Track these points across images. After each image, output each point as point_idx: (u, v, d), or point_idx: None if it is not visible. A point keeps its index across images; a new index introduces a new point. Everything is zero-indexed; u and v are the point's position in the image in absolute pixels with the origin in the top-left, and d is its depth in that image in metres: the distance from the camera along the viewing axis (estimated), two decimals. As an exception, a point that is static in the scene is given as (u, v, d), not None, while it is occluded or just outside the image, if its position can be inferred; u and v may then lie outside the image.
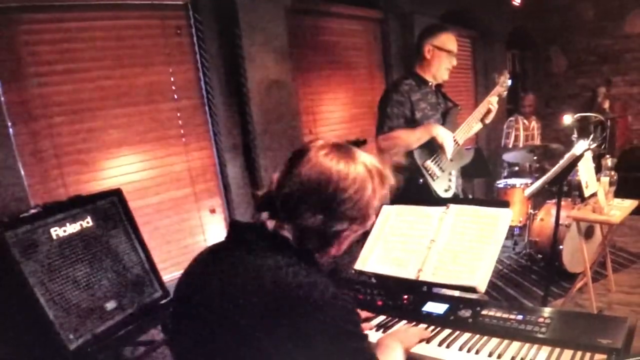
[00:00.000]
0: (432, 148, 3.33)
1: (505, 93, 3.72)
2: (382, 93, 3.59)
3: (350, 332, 1.28)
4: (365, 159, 1.40)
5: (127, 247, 2.87)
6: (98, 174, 3.48)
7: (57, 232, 2.53)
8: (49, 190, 3.23)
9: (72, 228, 2.61)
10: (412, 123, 3.32)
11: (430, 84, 3.47)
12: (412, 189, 3.26)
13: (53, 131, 3.27)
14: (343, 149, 1.39)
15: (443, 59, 3.43)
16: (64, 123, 3.32)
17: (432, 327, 1.96)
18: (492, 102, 3.57)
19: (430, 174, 3.32)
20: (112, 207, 2.86)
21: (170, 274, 3.74)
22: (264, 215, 1.38)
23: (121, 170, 3.59)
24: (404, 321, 2.04)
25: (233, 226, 1.45)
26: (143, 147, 3.72)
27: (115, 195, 2.90)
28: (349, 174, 1.33)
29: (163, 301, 2.95)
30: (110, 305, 2.66)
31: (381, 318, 2.10)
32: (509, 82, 3.70)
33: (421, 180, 3.29)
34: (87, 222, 2.69)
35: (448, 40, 3.44)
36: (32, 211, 2.57)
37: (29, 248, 2.40)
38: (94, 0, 3.42)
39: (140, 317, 2.80)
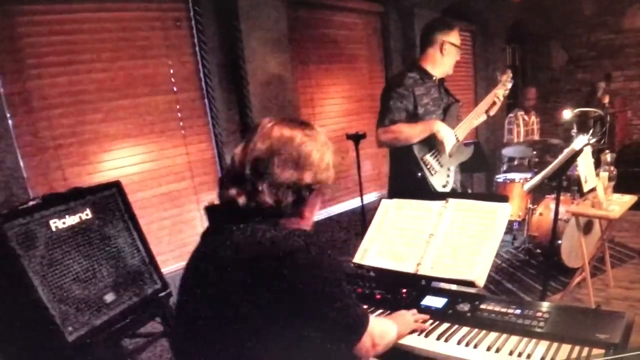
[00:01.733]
0: (432, 143, 3.33)
1: (507, 92, 3.73)
2: (385, 85, 3.59)
3: (339, 289, 1.38)
4: (323, 132, 1.53)
5: (126, 239, 2.86)
6: (97, 166, 3.49)
7: (56, 223, 2.52)
8: (48, 182, 3.24)
9: (71, 220, 2.60)
10: (413, 117, 3.31)
11: (434, 78, 3.46)
12: (410, 183, 3.27)
13: (52, 123, 3.27)
14: (298, 121, 1.53)
15: (453, 54, 3.45)
16: (63, 115, 3.32)
17: (430, 321, 1.96)
18: (498, 94, 3.59)
19: (428, 169, 3.32)
20: (111, 199, 2.85)
21: (170, 267, 3.76)
22: (232, 191, 1.41)
23: (120, 162, 3.59)
24: (403, 315, 2.05)
25: (208, 212, 1.53)
26: (142, 139, 3.72)
27: (115, 187, 2.89)
28: (309, 135, 1.46)
29: (162, 293, 2.94)
30: (109, 297, 2.65)
31: (380, 311, 2.11)
32: (512, 81, 3.72)
33: (419, 174, 3.29)
34: (86, 214, 2.68)
35: (457, 36, 3.47)
36: (31, 203, 2.55)
37: (28, 240, 2.38)
38: (95, -7, 3.41)
39: (139, 309, 2.80)
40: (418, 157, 3.30)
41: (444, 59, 3.44)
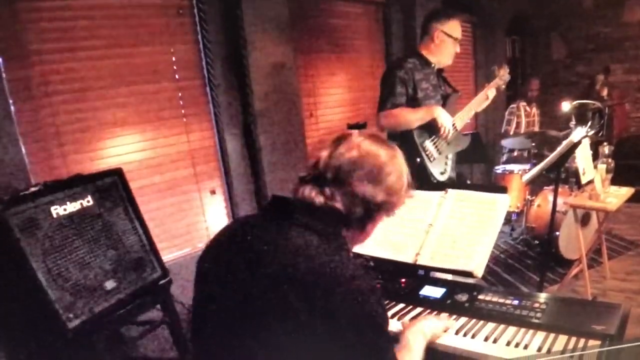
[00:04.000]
0: (431, 130, 3.37)
1: (504, 87, 3.77)
2: (386, 69, 3.62)
3: (378, 325, 1.34)
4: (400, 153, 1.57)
5: (127, 226, 2.86)
6: (99, 153, 3.48)
7: (57, 210, 2.52)
8: (49, 168, 3.23)
9: (72, 207, 2.60)
10: (413, 102, 3.35)
11: (433, 65, 3.49)
12: (409, 169, 3.30)
13: (54, 109, 3.26)
14: (383, 139, 1.58)
15: (449, 45, 3.47)
16: (65, 101, 3.31)
17: (428, 311, 1.98)
18: (489, 95, 3.63)
19: (427, 155, 3.36)
20: (112, 187, 2.84)
21: (170, 254, 3.78)
22: (311, 189, 1.45)
23: (122, 149, 3.58)
24: (402, 304, 2.07)
25: (274, 200, 1.53)
26: (144, 126, 3.72)
27: (116, 175, 2.89)
28: (393, 156, 1.51)
29: (162, 281, 2.95)
30: (110, 284, 2.66)
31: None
32: (508, 76, 3.76)
33: (418, 160, 3.32)
34: (88, 201, 2.68)
35: (455, 27, 3.47)
36: (33, 189, 2.55)
37: (30, 226, 2.39)
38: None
39: (140, 296, 2.81)
40: (418, 142, 3.33)
41: (440, 48, 3.46)
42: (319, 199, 1.43)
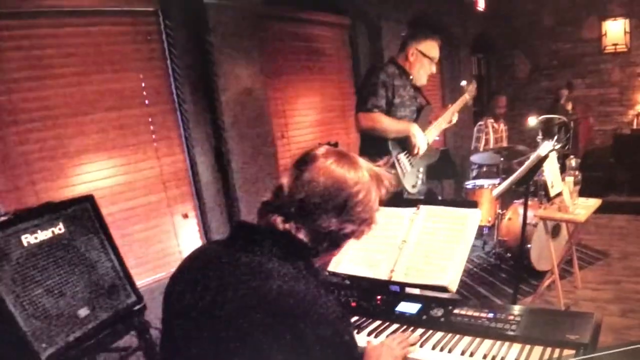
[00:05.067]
0: (405, 144, 3.43)
1: (471, 102, 3.88)
2: (369, 70, 3.68)
3: (348, 350, 1.36)
4: (365, 164, 1.51)
5: (100, 253, 2.81)
6: (69, 180, 3.44)
7: (28, 239, 2.48)
8: (19, 197, 3.18)
9: (43, 235, 2.55)
10: (390, 106, 3.40)
11: (410, 77, 3.56)
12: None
13: (22, 138, 3.22)
14: (347, 156, 1.49)
15: (424, 64, 3.55)
16: (34, 129, 3.27)
17: (404, 327, 2.00)
18: (453, 119, 3.76)
19: (401, 167, 3.41)
20: (84, 213, 2.81)
21: (144, 279, 3.74)
22: (276, 218, 1.40)
23: (93, 176, 3.55)
24: (378, 321, 2.08)
25: (240, 227, 1.49)
26: (114, 152, 3.69)
27: (87, 201, 2.85)
28: (359, 180, 1.43)
29: (137, 307, 2.91)
30: (83, 312, 2.61)
31: (355, 319, 2.13)
32: (475, 91, 3.88)
33: (392, 172, 3.37)
34: (59, 228, 2.64)
35: (431, 47, 3.55)
36: (2, 218, 2.51)
37: (0, 256, 2.36)
38: (64, 7, 3.38)
39: (114, 323, 2.76)
40: (393, 154, 3.38)
41: (415, 66, 3.53)
42: (284, 227, 1.39)
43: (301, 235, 1.41)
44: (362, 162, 1.51)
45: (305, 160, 1.45)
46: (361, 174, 1.45)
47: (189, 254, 1.51)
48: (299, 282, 1.32)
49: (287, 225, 1.39)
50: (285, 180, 1.44)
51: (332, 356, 1.29)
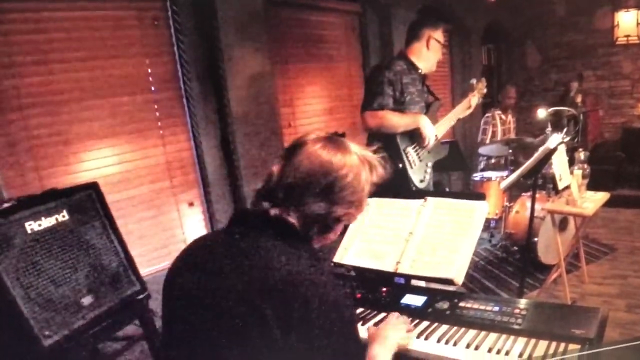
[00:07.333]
0: (414, 138, 3.39)
1: (481, 100, 3.84)
2: (374, 68, 3.64)
3: (352, 333, 1.37)
4: (356, 149, 1.51)
5: (104, 241, 2.81)
6: (74, 167, 3.43)
7: (31, 226, 2.47)
8: (23, 183, 3.18)
9: (47, 222, 2.54)
10: (399, 104, 3.36)
11: (420, 71, 3.52)
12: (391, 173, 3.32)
13: (27, 123, 3.21)
14: (336, 141, 1.50)
15: (438, 51, 3.51)
16: (38, 115, 3.26)
17: (410, 319, 1.98)
18: (472, 103, 3.69)
19: (409, 161, 3.37)
20: (88, 201, 2.79)
21: (148, 268, 3.73)
22: (266, 204, 1.44)
23: (97, 163, 3.54)
24: (383, 313, 2.06)
25: (238, 214, 1.53)
26: (119, 139, 3.68)
27: (92, 189, 2.84)
28: (345, 164, 1.44)
29: (141, 295, 2.91)
30: (87, 300, 2.61)
31: (360, 310, 2.12)
32: (485, 90, 3.83)
33: (400, 165, 3.33)
34: (63, 215, 2.63)
35: (441, 33, 3.53)
36: (6, 205, 2.50)
37: (3, 242, 2.33)
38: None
39: (118, 312, 2.76)
40: (401, 148, 3.34)
41: (429, 54, 3.50)
42: (275, 212, 1.42)
43: (292, 220, 1.42)
44: (354, 147, 1.52)
45: (294, 147, 1.48)
46: (349, 158, 1.46)
47: (188, 244, 1.52)
48: (303, 266, 1.33)
49: (277, 210, 1.42)
50: (275, 168, 1.48)
51: (337, 337, 1.29)
